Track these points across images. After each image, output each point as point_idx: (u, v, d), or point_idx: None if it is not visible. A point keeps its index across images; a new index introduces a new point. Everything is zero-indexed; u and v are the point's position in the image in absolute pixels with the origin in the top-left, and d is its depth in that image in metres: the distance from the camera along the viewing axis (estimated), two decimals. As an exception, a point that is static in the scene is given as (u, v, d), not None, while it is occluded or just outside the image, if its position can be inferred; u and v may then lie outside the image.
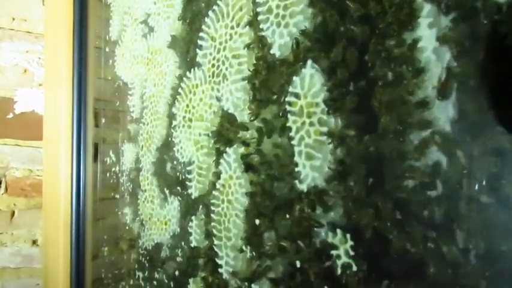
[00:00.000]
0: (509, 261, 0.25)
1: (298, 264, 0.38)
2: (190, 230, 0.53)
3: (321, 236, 0.36)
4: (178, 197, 0.58)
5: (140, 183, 0.67)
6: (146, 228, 0.65)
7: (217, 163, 0.49)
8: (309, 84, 0.36)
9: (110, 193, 0.77)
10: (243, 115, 0.45)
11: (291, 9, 0.37)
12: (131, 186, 0.72)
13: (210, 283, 0.50)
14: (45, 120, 0.74)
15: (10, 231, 0.77)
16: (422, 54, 0.29)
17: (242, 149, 0.45)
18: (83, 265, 0.73)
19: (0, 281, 0.76)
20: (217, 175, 0.48)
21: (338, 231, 0.34)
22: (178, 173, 0.58)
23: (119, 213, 0.75)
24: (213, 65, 0.48)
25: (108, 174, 0.77)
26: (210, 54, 0.49)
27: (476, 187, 0.26)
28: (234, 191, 0.45)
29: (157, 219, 0.62)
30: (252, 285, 0.43)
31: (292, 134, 0.38)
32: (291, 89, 0.37)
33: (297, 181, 0.37)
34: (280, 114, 0.39)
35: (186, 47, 0.55)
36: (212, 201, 0.48)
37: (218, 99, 0.48)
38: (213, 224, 0.48)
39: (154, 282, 0.63)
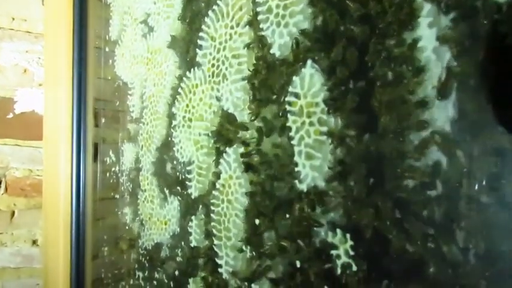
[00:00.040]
0: (509, 261, 0.25)
1: (298, 264, 0.38)
2: (190, 230, 0.53)
3: (321, 236, 0.36)
4: (178, 197, 0.58)
5: (140, 183, 0.67)
6: (146, 228, 0.65)
7: (217, 163, 0.49)
8: (309, 84, 0.36)
9: (109, 193, 0.77)
10: (242, 115, 0.45)
11: (291, 9, 0.37)
12: (131, 186, 0.72)
13: (210, 283, 0.50)
14: (45, 120, 0.74)
15: (10, 231, 0.77)
16: (422, 54, 0.29)
17: (242, 149, 0.45)
18: (82, 265, 0.73)
19: (0, 281, 0.76)
20: (217, 175, 0.48)
21: (338, 231, 0.34)
22: (178, 173, 0.58)
23: (119, 213, 0.75)
24: (212, 65, 0.48)
25: (108, 174, 0.77)
26: (210, 54, 0.49)
27: (476, 187, 0.26)
28: (234, 191, 0.45)
29: (157, 219, 0.62)
30: (252, 285, 0.43)
31: (292, 133, 0.38)
32: (290, 89, 0.37)
33: (296, 181, 0.37)
34: (280, 114, 0.39)
35: (186, 47, 0.55)
36: (212, 201, 0.48)
37: (218, 99, 0.48)
38: (212, 223, 0.48)
39: (154, 282, 0.63)
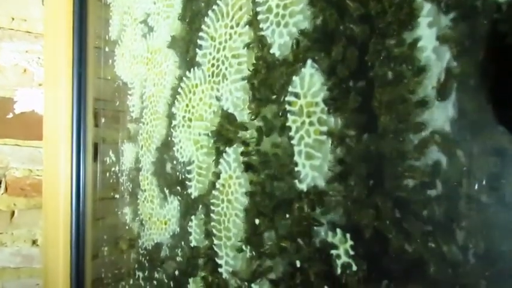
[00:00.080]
0: (509, 261, 0.25)
1: (298, 263, 0.38)
2: (190, 230, 0.53)
3: (321, 236, 0.36)
4: (178, 197, 0.58)
5: (140, 183, 0.67)
6: (146, 228, 0.65)
7: (217, 163, 0.49)
8: (309, 83, 0.36)
9: (109, 193, 0.77)
10: (242, 115, 0.45)
11: (291, 9, 0.37)
12: (131, 186, 0.72)
13: (209, 283, 0.50)
14: (45, 120, 0.74)
15: (10, 231, 0.77)
16: (422, 54, 0.29)
17: (242, 149, 0.45)
18: (82, 265, 0.73)
19: (0, 281, 0.76)
20: (217, 175, 0.48)
21: (338, 230, 0.34)
22: (178, 173, 0.58)
23: (119, 213, 0.75)
24: (212, 65, 0.48)
25: (107, 174, 0.77)
26: (210, 53, 0.49)
27: (476, 187, 0.26)
28: (234, 191, 0.45)
29: (157, 219, 0.62)
30: (252, 285, 0.43)
31: (292, 133, 0.38)
32: (290, 89, 0.37)
33: (296, 181, 0.37)
34: (280, 113, 0.39)
35: (186, 47, 0.55)
36: (212, 200, 0.48)
37: (218, 98, 0.48)
38: (212, 223, 0.48)
39: (154, 282, 0.63)
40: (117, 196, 0.76)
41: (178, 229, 0.58)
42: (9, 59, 0.76)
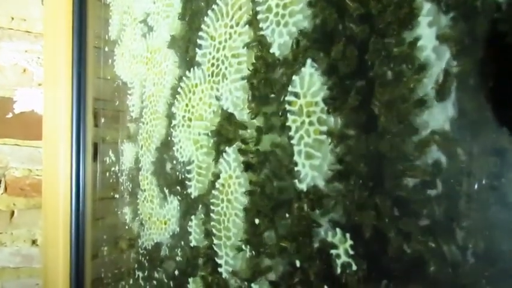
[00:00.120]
0: (509, 261, 0.25)
1: (297, 263, 0.38)
2: (189, 230, 0.53)
3: (321, 236, 0.36)
4: (178, 197, 0.58)
5: (140, 182, 0.67)
6: (146, 228, 0.65)
7: (216, 162, 0.49)
8: (309, 83, 0.36)
9: (109, 193, 0.77)
10: (242, 114, 0.45)
11: (291, 8, 0.37)
12: (131, 185, 0.72)
13: (209, 282, 0.50)
14: (44, 120, 0.74)
15: (10, 231, 0.77)
16: (422, 53, 0.29)
17: (241, 148, 0.45)
18: (82, 265, 0.73)
19: (0, 280, 0.76)
20: (217, 174, 0.48)
21: (338, 230, 0.34)
22: (177, 173, 0.57)
23: (119, 212, 0.75)
24: (212, 64, 0.48)
25: (107, 174, 0.77)
26: (210, 53, 0.48)
27: (476, 186, 0.26)
28: (234, 191, 0.45)
29: (156, 218, 0.62)
30: (252, 284, 0.43)
31: (291, 133, 0.37)
32: (290, 88, 0.37)
33: (296, 180, 0.37)
34: (280, 113, 0.39)
35: (186, 46, 0.55)
36: (212, 200, 0.48)
37: (218, 98, 0.48)
38: (212, 223, 0.48)
39: (154, 282, 0.63)
40: (116, 196, 0.76)
41: (178, 229, 0.58)
42: (8, 58, 0.76)
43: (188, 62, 0.54)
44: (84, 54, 0.72)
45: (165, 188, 0.61)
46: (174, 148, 0.56)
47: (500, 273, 0.25)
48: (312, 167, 0.36)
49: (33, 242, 0.78)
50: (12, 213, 0.77)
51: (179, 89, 0.54)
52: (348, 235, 0.33)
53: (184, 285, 0.54)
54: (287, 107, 0.38)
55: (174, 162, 0.58)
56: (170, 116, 0.58)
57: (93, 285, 0.76)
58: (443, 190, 0.28)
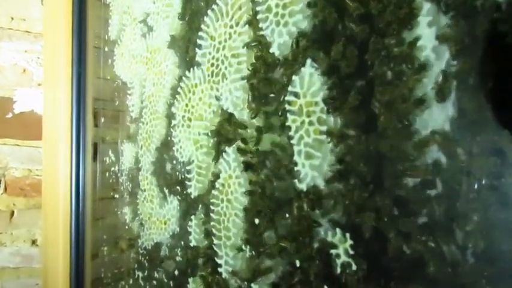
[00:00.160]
0: (509, 261, 0.25)
1: (297, 263, 0.38)
2: (189, 230, 0.53)
3: (321, 235, 0.36)
4: (178, 197, 0.58)
5: (139, 182, 0.67)
6: (145, 228, 0.65)
7: (216, 162, 0.49)
8: (309, 83, 0.36)
9: (109, 193, 0.77)
10: (242, 114, 0.45)
11: (290, 8, 0.37)
12: (130, 185, 0.72)
13: (209, 282, 0.50)
14: (44, 120, 0.74)
15: (9, 231, 0.77)
16: (421, 53, 0.29)
17: (241, 147, 0.45)
18: (82, 265, 0.73)
19: (0, 281, 0.76)
20: (217, 174, 0.48)
21: (337, 230, 0.34)
22: (177, 173, 0.57)
23: (118, 212, 0.75)
24: (212, 64, 0.48)
25: (107, 174, 0.77)
26: (210, 53, 0.48)
27: (476, 186, 0.26)
28: (234, 190, 0.45)
29: (156, 218, 0.62)
30: (252, 284, 0.43)
31: (291, 133, 0.37)
32: (290, 88, 0.37)
33: (296, 180, 0.37)
34: (280, 113, 0.39)
35: (185, 46, 0.55)
36: (211, 200, 0.48)
37: (217, 98, 0.48)
38: (212, 223, 0.48)
39: (154, 282, 0.63)
40: (116, 196, 0.76)
41: (178, 229, 0.58)
42: (8, 58, 0.76)
43: (188, 62, 0.54)
44: (84, 54, 0.72)
45: (165, 188, 0.61)
46: (174, 148, 0.56)
47: (500, 273, 0.25)
48: (312, 167, 0.36)
49: (33, 242, 0.78)
50: (12, 213, 0.77)
51: (179, 89, 0.54)
52: (347, 235, 0.33)
53: (184, 285, 0.54)
54: (287, 106, 0.38)
55: (174, 162, 0.58)
56: (170, 116, 0.58)
57: (93, 285, 0.76)
58: (443, 190, 0.28)
